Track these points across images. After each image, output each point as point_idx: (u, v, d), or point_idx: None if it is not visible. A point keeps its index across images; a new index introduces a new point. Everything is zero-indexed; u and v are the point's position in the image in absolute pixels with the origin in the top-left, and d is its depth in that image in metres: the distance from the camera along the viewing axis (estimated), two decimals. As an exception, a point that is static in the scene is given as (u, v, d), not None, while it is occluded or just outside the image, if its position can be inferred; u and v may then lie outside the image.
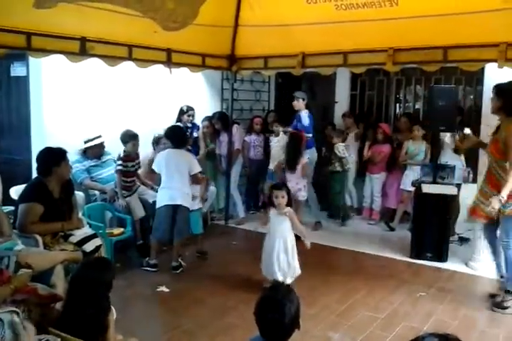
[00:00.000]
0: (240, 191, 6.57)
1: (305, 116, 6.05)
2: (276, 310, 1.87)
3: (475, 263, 4.90)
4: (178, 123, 6.04)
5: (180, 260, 4.71)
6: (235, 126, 6.46)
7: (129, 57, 4.66)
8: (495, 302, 3.99)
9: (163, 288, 4.21)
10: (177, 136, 4.79)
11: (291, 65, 5.44)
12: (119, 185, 4.99)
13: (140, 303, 3.99)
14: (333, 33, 4.97)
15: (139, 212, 5.06)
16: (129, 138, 5.03)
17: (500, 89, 4.02)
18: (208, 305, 3.94)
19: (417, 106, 7.34)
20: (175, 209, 4.63)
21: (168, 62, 5.06)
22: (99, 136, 5.13)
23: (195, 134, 6.19)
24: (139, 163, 5.22)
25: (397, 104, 7.46)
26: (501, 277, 4.16)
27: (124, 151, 5.03)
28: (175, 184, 4.60)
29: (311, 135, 6.12)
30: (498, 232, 4.04)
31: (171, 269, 4.65)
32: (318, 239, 5.76)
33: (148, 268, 4.65)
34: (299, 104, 6.10)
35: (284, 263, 4.04)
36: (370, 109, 7.47)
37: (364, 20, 4.78)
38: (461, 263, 5.03)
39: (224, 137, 6.38)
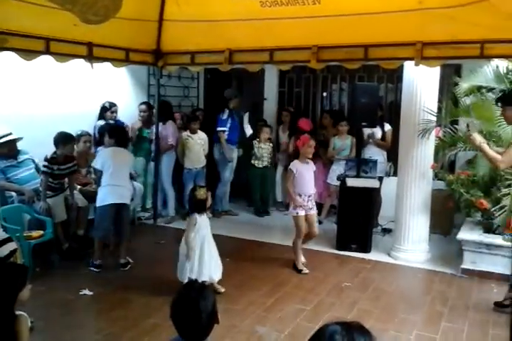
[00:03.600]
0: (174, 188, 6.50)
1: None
2: (191, 309, 1.84)
3: (396, 252, 5.14)
4: (101, 121, 5.86)
5: (127, 257, 4.73)
6: (170, 121, 6.36)
7: (47, 51, 4.42)
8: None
9: (86, 291, 4.06)
10: (121, 135, 4.86)
11: (218, 60, 5.40)
12: (44, 187, 4.76)
13: (61, 308, 3.80)
14: (259, 30, 4.99)
15: (61, 214, 4.86)
16: (66, 140, 4.88)
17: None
18: (133, 306, 3.85)
19: (343, 103, 7.56)
20: (120, 207, 4.60)
21: (90, 57, 4.85)
22: (10, 134, 4.79)
23: (119, 131, 6.00)
24: (71, 166, 4.99)
25: (326, 101, 7.65)
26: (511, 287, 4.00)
27: (55, 153, 4.84)
28: (122, 182, 4.61)
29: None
30: None
31: (120, 267, 4.63)
32: (247, 235, 5.84)
33: (93, 269, 4.57)
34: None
35: (214, 264, 3.99)
36: (299, 106, 7.61)
37: (288, 18, 4.82)
38: (383, 253, 5.25)
39: (160, 128, 6.24)
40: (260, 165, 6.74)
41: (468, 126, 4.02)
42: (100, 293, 4.09)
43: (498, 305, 3.98)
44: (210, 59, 5.55)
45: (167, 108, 6.41)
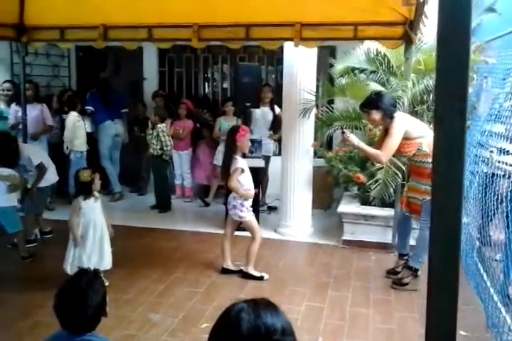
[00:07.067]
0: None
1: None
2: (79, 302, 1.69)
3: (282, 229, 5.32)
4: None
5: None
6: (44, 104, 5.92)
7: None
8: (394, 280, 4.07)
9: None
10: None
11: (91, 37, 5.03)
12: None
13: None
14: (137, 5, 4.72)
15: None
16: None
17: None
18: (11, 306, 3.51)
19: (224, 85, 7.54)
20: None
21: None
22: None
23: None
24: None
25: (208, 82, 7.57)
26: (400, 255, 4.24)
27: None
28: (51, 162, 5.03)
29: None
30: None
31: (45, 234, 4.99)
32: (134, 222, 5.62)
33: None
34: None
35: (106, 253, 3.81)
36: (180, 87, 7.43)
37: (169, -7, 4.64)
38: (270, 230, 5.38)
39: (33, 109, 5.74)
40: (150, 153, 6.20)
41: (342, 129, 4.23)
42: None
43: (391, 273, 4.20)
44: (82, 35, 5.16)
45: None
